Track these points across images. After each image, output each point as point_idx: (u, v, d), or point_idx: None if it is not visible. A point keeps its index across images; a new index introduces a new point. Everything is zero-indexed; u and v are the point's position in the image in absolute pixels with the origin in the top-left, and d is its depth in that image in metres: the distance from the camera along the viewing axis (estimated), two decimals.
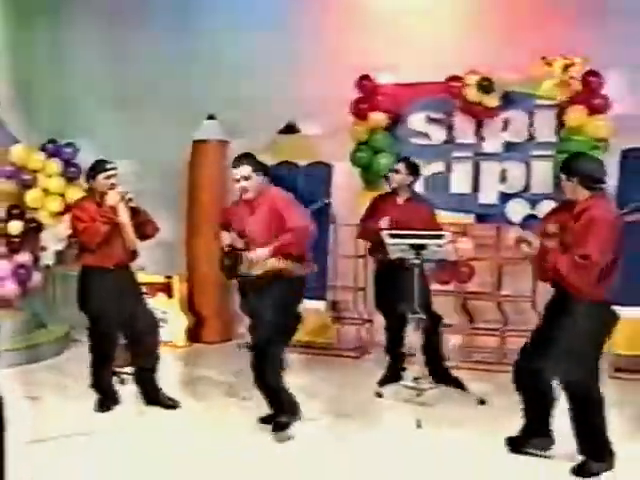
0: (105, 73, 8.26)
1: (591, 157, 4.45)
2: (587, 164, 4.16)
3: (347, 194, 7.07)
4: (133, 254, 5.39)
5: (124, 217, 5.16)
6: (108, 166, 5.19)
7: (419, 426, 4.81)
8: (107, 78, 8.22)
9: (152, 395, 5.38)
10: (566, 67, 6.17)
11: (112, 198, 5.11)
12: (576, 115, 6.08)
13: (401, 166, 5.82)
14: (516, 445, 4.37)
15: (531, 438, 4.33)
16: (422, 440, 4.67)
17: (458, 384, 5.64)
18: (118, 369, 5.70)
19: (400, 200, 5.81)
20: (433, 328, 5.71)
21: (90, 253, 5.23)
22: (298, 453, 4.47)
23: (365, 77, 6.82)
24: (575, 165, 4.14)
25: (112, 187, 5.14)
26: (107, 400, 5.35)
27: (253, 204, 4.75)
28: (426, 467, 4.25)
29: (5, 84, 7.53)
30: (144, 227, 5.32)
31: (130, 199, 5.17)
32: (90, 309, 5.30)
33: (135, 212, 5.25)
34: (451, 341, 6.72)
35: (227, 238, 4.84)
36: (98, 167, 5.22)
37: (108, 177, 5.15)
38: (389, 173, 5.97)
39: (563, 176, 4.14)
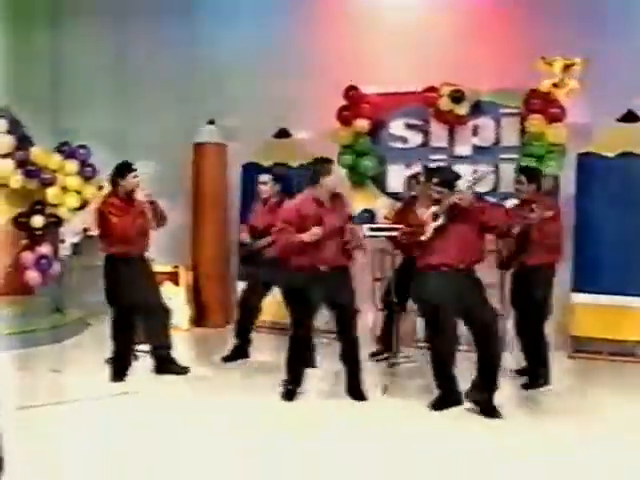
0: (108, 77, 8.95)
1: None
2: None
3: None
4: (147, 243, 6.12)
5: (150, 212, 5.96)
6: (135, 166, 5.99)
7: (385, 392, 5.57)
8: (111, 82, 8.90)
9: (164, 366, 6.13)
10: (566, 67, 6.67)
11: (140, 194, 5.90)
12: (535, 123, 6.79)
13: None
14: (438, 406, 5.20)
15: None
16: (385, 405, 5.40)
17: None
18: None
19: None
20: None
21: (114, 243, 5.93)
22: (287, 411, 5.25)
23: (352, 87, 7.54)
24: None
25: (138, 185, 5.91)
26: (120, 372, 6.02)
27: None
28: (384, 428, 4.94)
29: (7, 88, 7.94)
30: (160, 217, 6.07)
31: (150, 194, 5.95)
32: (114, 292, 5.99)
33: (152, 205, 5.99)
34: None
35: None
36: (127, 167, 5.99)
37: (135, 176, 5.94)
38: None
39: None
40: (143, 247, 6.07)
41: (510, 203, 6.58)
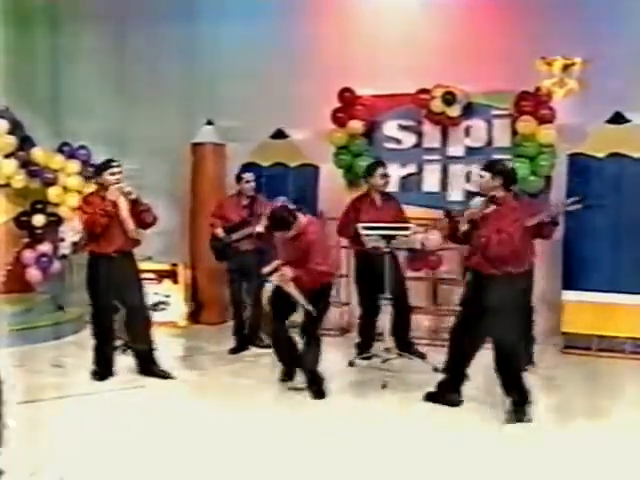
0: (109, 76, 9.07)
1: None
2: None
3: (332, 192, 7.96)
4: (134, 242, 6.02)
5: (124, 210, 5.82)
6: (113, 164, 5.88)
7: (384, 387, 5.75)
8: (110, 83, 9.02)
9: (146, 367, 6.11)
10: (566, 67, 6.79)
11: (112, 193, 5.80)
12: (525, 124, 6.94)
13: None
14: (432, 399, 5.32)
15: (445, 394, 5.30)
16: (385, 399, 5.57)
17: (420, 355, 6.56)
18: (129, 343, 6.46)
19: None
20: (404, 309, 6.65)
21: (94, 241, 5.91)
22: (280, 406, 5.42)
23: (346, 89, 7.70)
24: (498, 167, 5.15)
25: (116, 182, 5.80)
26: (101, 371, 6.02)
27: None
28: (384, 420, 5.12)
29: (9, 89, 7.90)
30: (143, 216, 5.94)
31: (130, 192, 5.83)
32: (92, 290, 5.97)
33: (135, 203, 5.89)
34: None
35: None
36: (104, 165, 5.94)
37: (113, 174, 5.83)
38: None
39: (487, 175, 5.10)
40: (121, 246, 5.89)
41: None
